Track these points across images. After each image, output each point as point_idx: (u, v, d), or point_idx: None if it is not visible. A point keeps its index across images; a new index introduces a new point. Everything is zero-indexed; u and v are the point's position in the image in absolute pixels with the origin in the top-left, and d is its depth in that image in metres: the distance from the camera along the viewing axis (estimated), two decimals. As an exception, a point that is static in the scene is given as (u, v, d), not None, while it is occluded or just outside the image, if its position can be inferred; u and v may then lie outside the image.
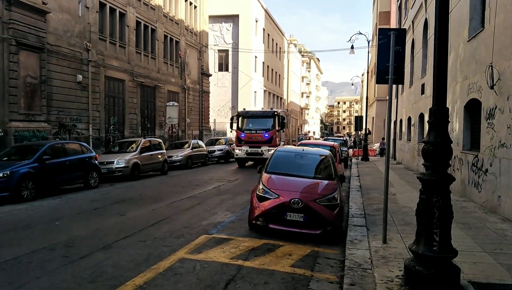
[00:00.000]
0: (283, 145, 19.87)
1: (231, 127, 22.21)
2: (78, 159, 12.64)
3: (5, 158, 11.31)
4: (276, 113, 21.72)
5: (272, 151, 15.07)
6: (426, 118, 14.84)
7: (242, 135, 21.12)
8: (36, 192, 10.74)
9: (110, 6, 21.93)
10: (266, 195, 6.84)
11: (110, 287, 4.51)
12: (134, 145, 16.71)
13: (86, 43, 19.74)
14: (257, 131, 20.93)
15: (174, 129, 27.57)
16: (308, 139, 35.95)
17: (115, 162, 14.96)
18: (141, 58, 25.38)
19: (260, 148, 20.61)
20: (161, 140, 19.86)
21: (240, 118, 21.89)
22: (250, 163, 22.35)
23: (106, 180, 14.45)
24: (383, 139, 29.81)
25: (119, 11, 22.86)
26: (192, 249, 6.00)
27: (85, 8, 19.73)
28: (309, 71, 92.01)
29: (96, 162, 13.57)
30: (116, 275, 4.90)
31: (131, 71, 23.86)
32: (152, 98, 26.95)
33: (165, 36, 28.31)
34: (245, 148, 20.77)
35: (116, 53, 22.66)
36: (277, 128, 21.20)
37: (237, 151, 21.18)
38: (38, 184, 10.84)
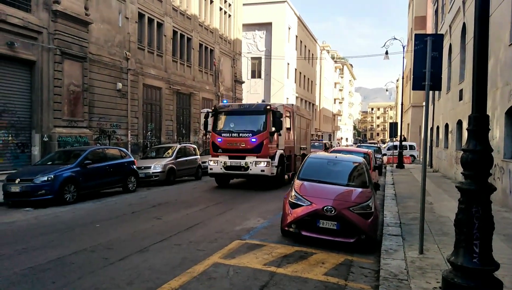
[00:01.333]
0: (281, 152, 15.10)
1: (205, 128, 15.39)
2: (117, 164, 13.14)
3: (49, 163, 11.92)
4: (269, 108, 14.45)
5: (263, 164, 13.63)
6: (465, 125, 14.34)
7: (219, 139, 14.50)
8: (78, 195, 11.25)
9: (148, 17, 22.74)
10: (298, 202, 6.84)
11: (147, 289, 4.66)
12: (170, 151, 17.16)
13: (125, 52, 20.55)
14: (240, 134, 14.20)
15: (208, 136, 28.02)
16: (329, 146, 34.46)
17: (152, 167, 15.43)
18: (177, 66, 26.08)
19: (244, 159, 14.06)
20: (195, 146, 20.26)
21: (217, 115, 15.09)
22: (237, 180, 16.51)
23: (143, 185, 14.93)
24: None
25: (157, 21, 23.65)
26: (226, 254, 6.09)
27: (125, 18, 20.57)
28: (342, 77, 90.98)
29: (134, 167, 14.06)
30: (152, 278, 5.05)
31: (167, 79, 24.57)
32: (187, 105, 27.59)
33: (200, 45, 28.95)
34: (223, 159, 14.33)
35: (153, 62, 23.42)
36: (270, 130, 14.22)
37: (211, 163, 14.60)
38: (80, 187, 11.35)
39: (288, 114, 16.32)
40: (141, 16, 22.16)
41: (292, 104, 18.79)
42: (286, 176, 16.12)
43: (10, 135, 14.87)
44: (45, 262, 5.64)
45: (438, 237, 6.88)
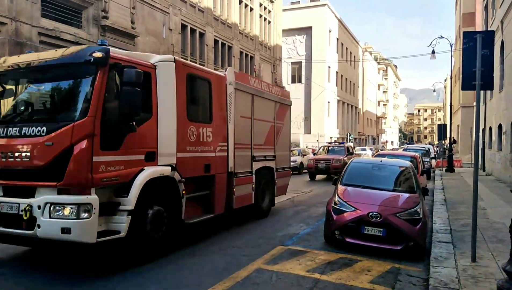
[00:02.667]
0: (161, 172, 5.94)
1: None
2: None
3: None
4: (101, 56, 5.05)
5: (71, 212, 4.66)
6: (522, 125, 13.45)
7: None
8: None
9: (191, 27, 23.46)
10: (342, 208, 6.74)
11: (194, 293, 4.78)
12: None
13: (169, 63, 21.25)
14: (22, 130, 5.17)
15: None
16: (352, 151, 33.52)
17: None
18: (218, 74, 26.57)
19: (25, 196, 5.08)
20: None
21: None
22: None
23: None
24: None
25: (199, 31, 24.34)
26: (268, 260, 6.11)
27: (169, 30, 21.35)
28: (385, 79, 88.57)
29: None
30: (198, 282, 5.17)
31: (209, 86, 25.09)
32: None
33: (241, 52, 29.39)
34: None
35: (195, 71, 24.03)
36: (109, 116, 5.15)
37: None
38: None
39: (208, 86, 7.49)
40: (184, 27, 22.89)
41: (256, 73, 15.54)
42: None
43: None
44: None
45: (492, 244, 6.51)
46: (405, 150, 25.06)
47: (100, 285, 4.98)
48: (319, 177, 20.88)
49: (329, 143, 26.60)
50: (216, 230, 8.27)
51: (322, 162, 19.63)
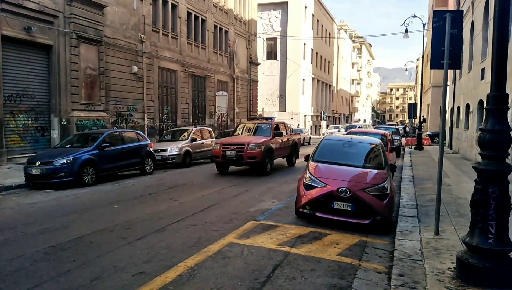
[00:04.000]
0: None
1: None
2: (134, 146, 13.35)
3: (68, 145, 12.20)
4: None
5: None
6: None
7: None
8: (96, 178, 11.51)
9: (162, -2, 22.60)
10: (313, 184, 6.83)
11: (164, 268, 4.78)
12: (185, 134, 17.30)
13: (140, 35, 20.59)
14: None
15: (223, 118, 28.12)
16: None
17: (168, 149, 15.61)
18: (192, 49, 26.03)
19: None
20: (211, 129, 20.36)
21: None
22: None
23: (160, 167, 15.16)
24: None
25: (171, 3, 23.54)
26: (240, 234, 6.17)
27: (139, 0, 20.52)
28: (360, 57, 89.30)
29: (151, 149, 14.25)
30: (169, 257, 5.17)
31: (182, 61, 24.58)
32: (202, 88, 27.62)
33: (215, 26, 28.75)
34: None
35: (168, 44, 23.42)
36: None
37: None
38: (98, 170, 11.59)
39: None
40: (155, -2, 22.06)
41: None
42: None
43: (30, 119, 15.25)
44: (66, 241, 5.83)
45: (455, 218, 6.80)
46: (376, 128, 25.62)
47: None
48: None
49: (251, 119, 18.95)
50: (188, 208, 8.26)
51: (232, 147, 13.06)
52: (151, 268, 4.77)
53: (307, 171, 7.23)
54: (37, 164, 10.76)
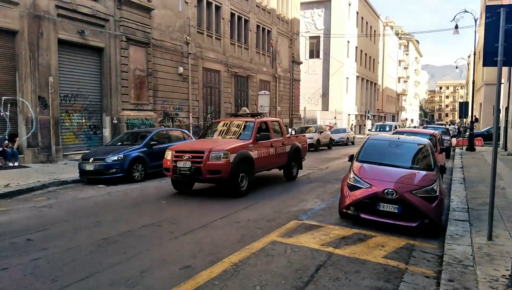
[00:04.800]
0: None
1: None
2: (179, 145, 13.76)
3: (119, 143, 12.79)
4: None
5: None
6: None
7: None
8: (145, 174, 11.99)
9: (207, 1, 23.11)
10: (357, 184, 6.71)
11: (209, 263, 4.90)
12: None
13: (186, 37, 21.16)
14: None
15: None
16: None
17: (211, 148, 15.87)
18: (235, 49, 26.37)
19: None
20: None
21: None
22: None
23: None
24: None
25: (215, 4, 23.97)
26: (283, 233, 6.19)
27: (185, 3, 21.10)
28: (407, 54, 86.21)
29: (195, 148, 14.59)
30: (213, 252, 5.30)
31: (226, 62, 24.97)
32: (245, 88, 27.91)
33: (258, 26, 28.93)
34: None
35: (212, 45, 23.88)
36: None
37: None
38: (147, 166, 12.07)
39: None
40: (199, 0, 22.57)
41: None
42: None
43: (83, 118, 16.17)
44: (117, 234, 6.14)
45: (510, 223, 6.42)
46: (425, 128, 24.63)
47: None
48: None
49: (232, 115, 13.40)
50: (232, 206, 8.40)
51: (185, 157, 9.03)
52: (196, 263, 4.91)
53: (351, 172, 7.11)
54: (90, 161, 11.38)
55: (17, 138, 13.45)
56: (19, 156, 13.32)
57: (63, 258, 5.10)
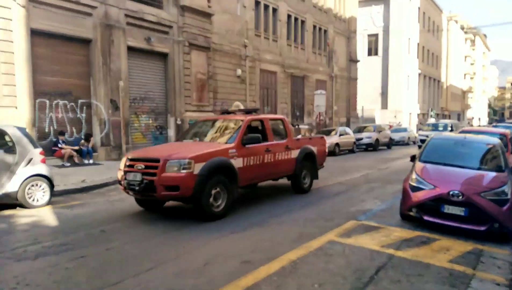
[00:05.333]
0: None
1: None
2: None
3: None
4: None
5: None
6: None
7: None
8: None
9: (264, 4, 23.45)
10: (420, 186, 6.49)
11: (268, 259, 5.02)
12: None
13: (244, 40, 21.64)
14: None
15: (321, 117, 27.96)
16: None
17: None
18: (291, 50, 26.44)
19: None
20: (310, 128, 20.49)
21: None
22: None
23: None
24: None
25: (272, 7, 24.25)
26: (341, 233, 6.17)
27: (243, 7, 21.57)
28: (473, 50, 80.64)
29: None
30: (272, 249, 5.42)
31: (282, 63, 25.15)
32: (301, 88, 27.87)
33: (314, 26, 28.77)
34: None
35: (269, 47, 24.18)
36: None
37: None
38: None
39: None
40: (257, 3, 22.98)
41: None
42: None
43: (150, 119, 17.24)
44: (180, 228, 6.48)
45: None
46: (494, 127, 22.94)
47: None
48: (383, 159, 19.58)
49: (224, 113, 9.78)
50: (288, 205, 8.50)
51: (138, 167, 6.87)
52: (255, 258, 5.06)
53: (413, 172, 6.89)
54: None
55: (92, 138, 14.60)
56: (93, 154, 14.46)
57: (132, 249, 5.52)
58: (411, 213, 6.55)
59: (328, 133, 22.37)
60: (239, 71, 21.22)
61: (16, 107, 12.25)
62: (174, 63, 17.57)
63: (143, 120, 16.90)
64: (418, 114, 49.64)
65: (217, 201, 7.04)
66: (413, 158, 7.74)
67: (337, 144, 21.02)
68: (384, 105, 44.78)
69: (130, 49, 15.83)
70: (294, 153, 9.20)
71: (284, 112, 25.77)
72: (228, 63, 20.75)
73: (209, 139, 8.30)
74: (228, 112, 9.42)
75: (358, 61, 36.42)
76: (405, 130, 30.18)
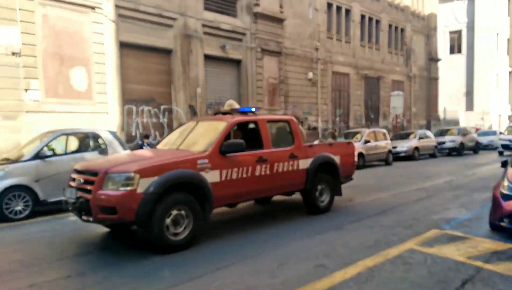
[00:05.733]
0: None
1: None
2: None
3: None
4: None
5: None
6: None
7: None
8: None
9: (336, 5, 23.14)
10: (513, 193, 5.92)
11: (343, 264, 4.94)
12: (358, 136, 17.26)
13: (315, 43, 21.53)
14: None
15: (398, 119, 26.68)
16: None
17: (341, 152, 15.77)
18: (365, 51, 25.69)
19: None
20: (385, 131, 19.67)
21: None
22: None
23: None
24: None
25: (345, 8, 23.81)
26: (422, 242, 5.85)
27: (315, 10, 21.49)
28: None
29: (325, 152, 14.72)
30: (347, 254, 5.33)
31: (355, 64, 24.54)
32: (375, 89, 26.93)
33: (390, 26, 27.67)
34: None
35: (341, 49, 23.76)
36: None
37: None
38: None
39: None
40: (329, 6, 22.72)
41: None
42: None
43: (224, 124, 17.80)
44: (253, 233, 6.64)
45: None
46: None
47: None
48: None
49: (216, 113, 7.91)
50: (365, 210, 8.27)
51: (77, 181, 5.70)
52: (330, 263, 5.00)
53: (505, 179, 6.29)
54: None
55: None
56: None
57: (201, 250, 5.75)
58: (503, 224, 5.98)
59: (406, 136, 21.35)
60: (310, 74, 21.13)
61: (107, 113, 13.49)
62: (247, 69, 18.04)
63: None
64: (509, 116, 45.10)
65: (176, 227, 5.43)
66: (504, 164, 7.07)
67: (416, 148, 19.95)
68: (469, 106, 41.41)
69: (206, 57, 16.58)
70: (304, 163, 7.32)
71: (357, 114, 25.10)
72: (299, 66, 20.78)
73: (184, 145, 6.52)
74: (223, 114, 7.47)
75: (439, 60, 34.17)
76: (494, 133, 27.60)
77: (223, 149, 6.05)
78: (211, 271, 4.77)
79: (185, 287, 4.36)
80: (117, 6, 13.51)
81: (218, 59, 17.22)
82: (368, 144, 16.73)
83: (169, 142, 7.11)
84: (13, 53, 11.15)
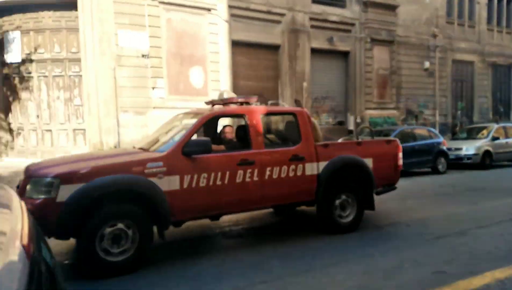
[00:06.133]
0: None
1: None
2: (426, 144, 13.16)
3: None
4: None
5: None
6: None
7: None
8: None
9: (456, -13, 20.87)
10: None
11: (467, 273, 4.47)
12: (484, 132, 15.43)
13: (433, 29, 19.83)
14: None
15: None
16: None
17: (463, 149, 14.43)
18: (493, 35, 22.83)
19: None
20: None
21: None
22: None
23: (453, 167, 14.19)
24: None
25: (468, -12, 21.35)
26: None
27: (433, -7, 19.74)
28: None
29: (444, 148, 13.60)
30: (472, 263, 4.81)
31: (481, 51, 21.96)
32: (506, 79, 23.76)
33: (526, 5, 23.96)
34: None
35: (464, 34, 21.49)
36: None
37: None
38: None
39: None
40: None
41: None
42: None
43: (330, 117, 17.62)
44: (370, 230, 6.41)
45: None
46: None
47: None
48: None
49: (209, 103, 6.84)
50: (491, 215, 7.40)
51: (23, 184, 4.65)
52: (452, 270, 4.58)
53: None
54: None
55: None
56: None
57: (317, 242, 5.73)
58: None
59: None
60: (426, 64, 19.50)
61: (221, 109, 14.34)
62: (355, 61, 17.43)
63: (324, 119, 17.37)
64: None
65: (119, 246, 4.34)
66: None
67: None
68: None
69: (313, 50, 16.47)
70: (313, 167, 5.66)
71: (484, 107, 22.43)
72: (414, 55, 19.32)
73: (146, 144, 5.60)
74: (214, 104, 6.41)
75: None
76: None
77: (186, 149, 4.79)
78: None
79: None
80: (230, 6, 14.22)
81: (325, 52, 16.97)
82: (497, 141, 14.82)
83: (145, 139, 6.34)
84: (143, 55, 12.58)
